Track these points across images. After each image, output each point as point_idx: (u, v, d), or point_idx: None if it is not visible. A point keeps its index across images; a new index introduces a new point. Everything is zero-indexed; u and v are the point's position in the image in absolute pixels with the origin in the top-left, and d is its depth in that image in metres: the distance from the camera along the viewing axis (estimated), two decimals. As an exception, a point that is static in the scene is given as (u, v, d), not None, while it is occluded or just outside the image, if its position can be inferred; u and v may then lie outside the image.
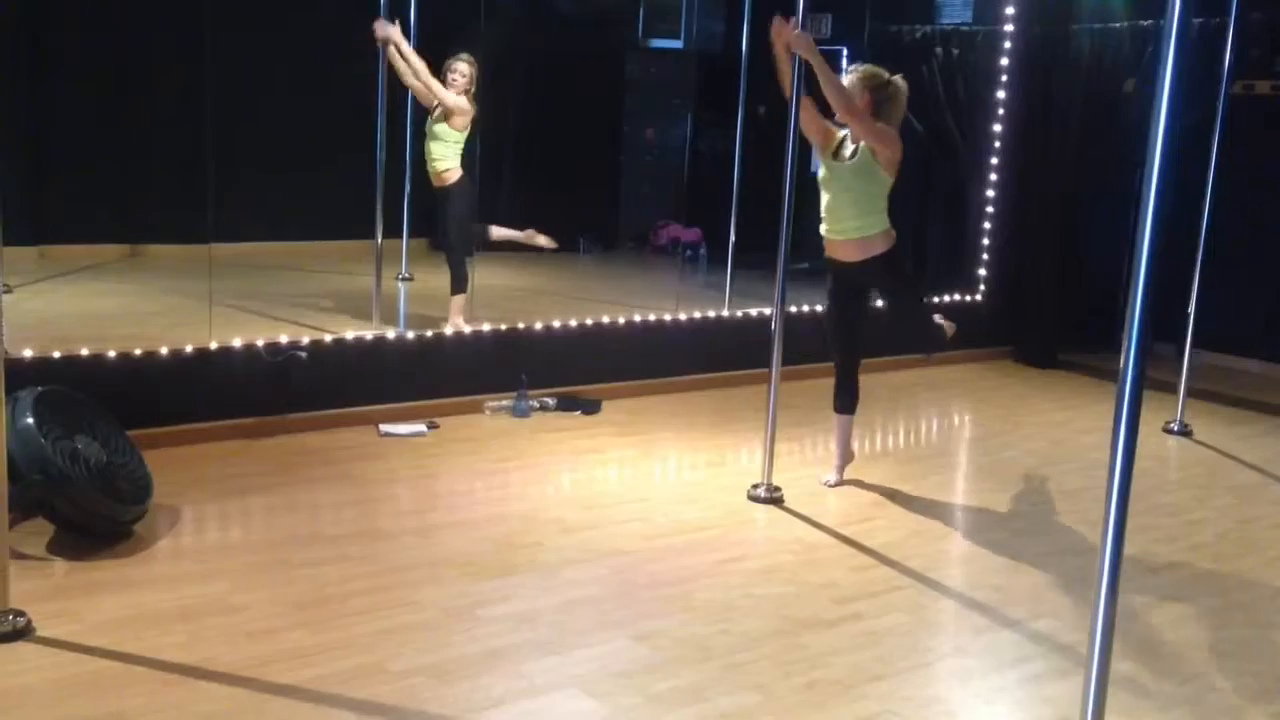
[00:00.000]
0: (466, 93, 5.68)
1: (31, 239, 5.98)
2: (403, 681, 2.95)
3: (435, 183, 5.78)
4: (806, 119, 4.48)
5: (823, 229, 4.54)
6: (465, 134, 5.72)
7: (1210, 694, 3.13)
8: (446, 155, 5.72)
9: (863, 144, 4.41)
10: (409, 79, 5.67)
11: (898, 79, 4.46)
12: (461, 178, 5.75)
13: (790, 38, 4.27)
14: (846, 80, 4.42)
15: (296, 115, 6.54)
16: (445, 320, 5.62)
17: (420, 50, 5.69)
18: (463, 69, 5.66)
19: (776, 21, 4.29)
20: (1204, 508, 4.75)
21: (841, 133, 4.51)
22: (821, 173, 4.53)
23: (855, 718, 2.90)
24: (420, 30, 6.03)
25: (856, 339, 4.68)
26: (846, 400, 4.67)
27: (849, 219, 4.45)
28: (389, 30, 5.52)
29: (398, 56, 5.60)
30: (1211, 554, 4.22)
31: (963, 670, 3.23)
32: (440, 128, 5.69)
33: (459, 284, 5.68)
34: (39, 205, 6.02)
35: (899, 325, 5.06)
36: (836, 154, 4.50)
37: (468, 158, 5.80)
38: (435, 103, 5.67)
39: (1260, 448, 5.68)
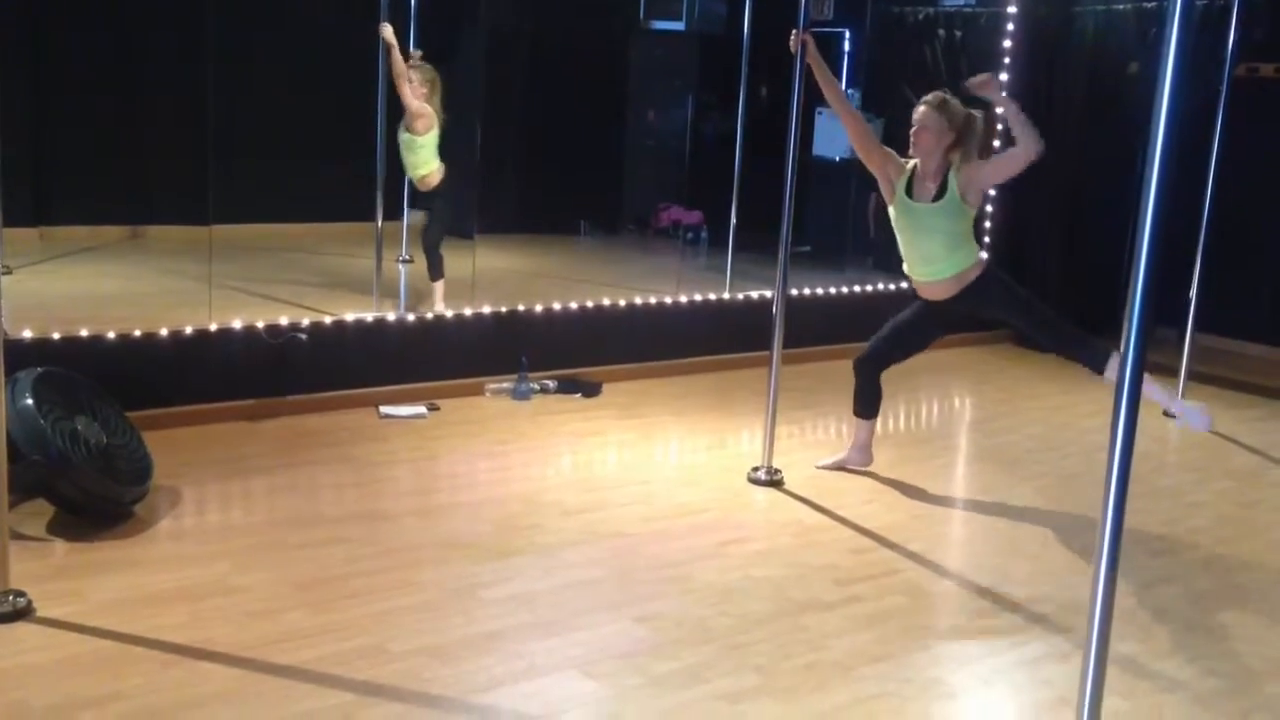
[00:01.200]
0: (426, 99, 5.72)
1: (31, 220, 5.95)
2: (403, 662, 2.96)
3: (420, 188, 5.86)
4: (866, 151, 4.34)
5: (907, 268, 4.40)
6: (433, 135, 5.77)
7: (1210, 676, 3.14)
8: (422, 161, 5.79)
9: (952, 179, 4.22)
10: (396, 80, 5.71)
11: (976, 114, 4.29)
12: (444, 176, 5.83)
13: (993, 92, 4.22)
14: (918, 112, 4.24)
15: (297, 97, 6.52)
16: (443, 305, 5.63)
17: (421, 36, 5.71)
18: (412, 76, 5.71)
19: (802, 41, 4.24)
20: (1204, 491, 4.75)
21: (911, 164, 4.32)
22: (894, 213, 4.34)
23: (854, 699, 2.91)
24: (419, 15, 6.02)
25: (900, 356, 4.58)
26: (869, 406, 4.60)
27: (939, 259, 4.29)
28: (385, 31, 5.60)
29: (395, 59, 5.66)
30: (1211, 537, 4.22)
31: (962, 652, 3.23)
32: (407, 137, 5.76)
33: (439, 271, 5.73)
34: (39, 186, 6.00)
35: (1063, 352, 4.51)
36: (910, 191, 4.30)
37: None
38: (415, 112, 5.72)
39: (1260, 431, 5.68)
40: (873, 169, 4.39)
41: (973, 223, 4.33)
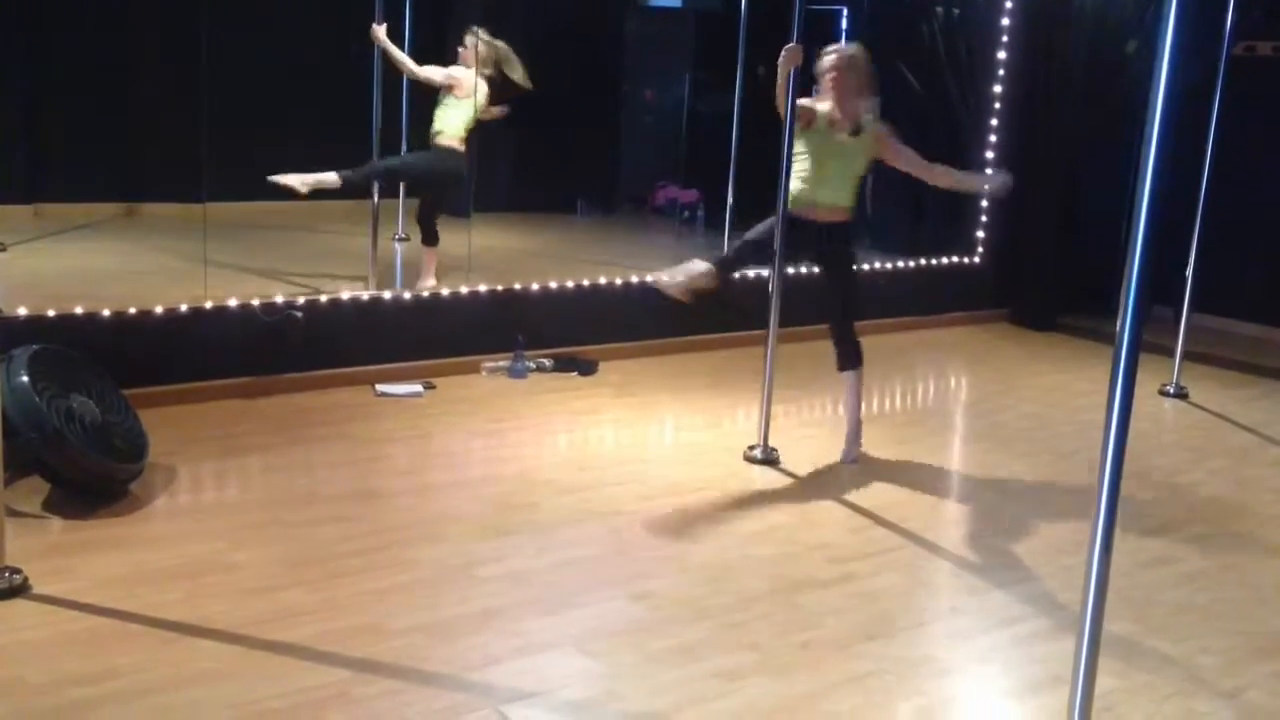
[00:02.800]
0: (475, 65, 5.82)
1: (27, 197, 5.94)
2: (400, 640, 2.96)
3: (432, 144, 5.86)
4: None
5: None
6: (469, 103, 5.79)
7: (1202, 655, 3.15)
8: (443, 119, 5.81)
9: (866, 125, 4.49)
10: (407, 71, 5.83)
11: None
12: (453, 148, 5.81)
13: None
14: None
15: (293, 73, 6.49)
16: (437, 281, 5.61)
17: (416, 16, 5.69)
18: (466, 44, 5.85)
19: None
20: (1199, 470, 4.76)
21: (825, 106, 4.51)
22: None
23: (850, 677, 2.92)
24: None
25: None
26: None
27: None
28: (378, 35, 5.65)
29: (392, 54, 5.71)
30: (1205, 515, 4.24)
31: (956, 630, 3.24)
32: (448, 98, 5.84)
33: (434, 238, 5.80)
34: (34, 163, 5.98)
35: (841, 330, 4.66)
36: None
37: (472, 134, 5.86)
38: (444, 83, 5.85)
39: (1256, 410, 5.69)
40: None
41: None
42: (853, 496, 4.20)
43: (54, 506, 3.66)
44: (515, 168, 7.46)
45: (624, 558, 3.58)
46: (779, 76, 4.30)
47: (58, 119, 6.03)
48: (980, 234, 7.39)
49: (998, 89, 7.18)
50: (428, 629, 3.03)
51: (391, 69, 5.73)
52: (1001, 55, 7.15)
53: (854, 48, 4.55)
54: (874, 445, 4.77)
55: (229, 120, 5.38)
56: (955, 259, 7.29)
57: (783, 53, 4.27)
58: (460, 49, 5.87)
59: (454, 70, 5.83)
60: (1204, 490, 4.52)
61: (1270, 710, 2.90)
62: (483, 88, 5.86)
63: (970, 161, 7.32)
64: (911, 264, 7.12)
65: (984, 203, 7.34)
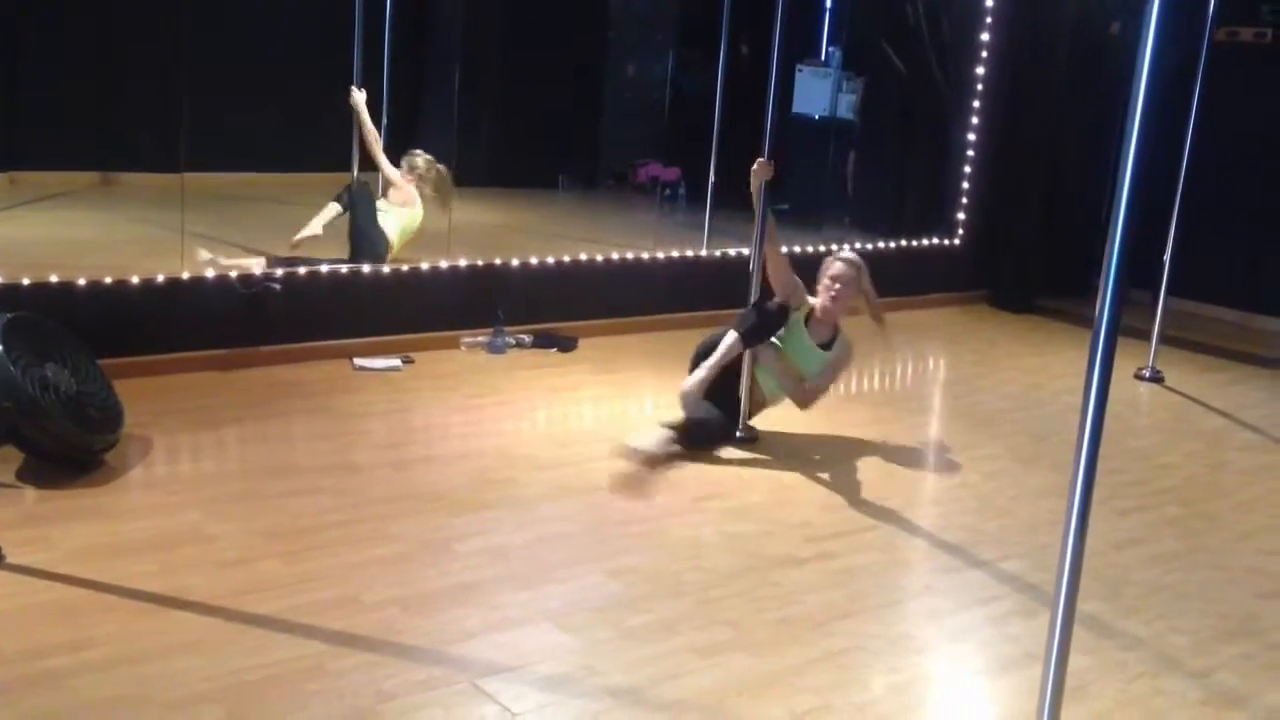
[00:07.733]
0: (417, 181, 5.80)
1: (2, 165, 5.88)
2: (376, 613, 2.96)
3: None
4: (781, 274, 4.43)
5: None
6: (404, 213, 5.73)
7: (1174, 634, 3.19)
8: (386, 224, 5.69)
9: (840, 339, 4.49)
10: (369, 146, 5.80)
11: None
12: (388, 238, 5.66)
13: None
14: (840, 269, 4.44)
15: (274, 44, 6.44)
16: (425, 258, 5.59)
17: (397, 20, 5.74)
18: (413, 163, 5.84)
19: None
20: (1173, 452, 4.80)
21: (811, 303, 4.49)
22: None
23: (825, 653, 2.94)
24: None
25: None
26: None
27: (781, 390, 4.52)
28: (355, 98, 5.67)
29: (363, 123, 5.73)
30: (1179, 497, 4.27)
31: (932, 608, 3.27)
32: (381, 202, 5.78)
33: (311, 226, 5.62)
34: (10, 130, 5.92)
35: None
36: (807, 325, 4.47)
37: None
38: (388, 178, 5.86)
39: (1230, 394, 5.74)
40: (777, 285, 4.44)
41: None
42: (830, 475, 4.22)
43: (28, 476, 3.64)
44: (496, 142, 7.43)
45: (601, 534, 3.58)
46: (751, 188, 4.32)
47: (34, 86, 5.97)
48: (961, 216, 7.40)
49: (980, 70, 7.18)
50: (405, 602, 3.03)
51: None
52: (985, 37, 7.15)
53: (859, 261, 4.51)
54: (852, 425, 4.79)
55: (207, 90, 5.34)
56: (936, 240, 7.31)
57: (754, 167, 4.30)
58: (404, 171, 5.82)
59: (399, 176, 5.80)
60: (1178, 473, 4.56)
61: (1239, 691, 2.94)
62: (419, 211, 5.78)
63: (953, 143, 7.34)
64: (892, 245, 7.13)
65: (965, 184, 7.36)
